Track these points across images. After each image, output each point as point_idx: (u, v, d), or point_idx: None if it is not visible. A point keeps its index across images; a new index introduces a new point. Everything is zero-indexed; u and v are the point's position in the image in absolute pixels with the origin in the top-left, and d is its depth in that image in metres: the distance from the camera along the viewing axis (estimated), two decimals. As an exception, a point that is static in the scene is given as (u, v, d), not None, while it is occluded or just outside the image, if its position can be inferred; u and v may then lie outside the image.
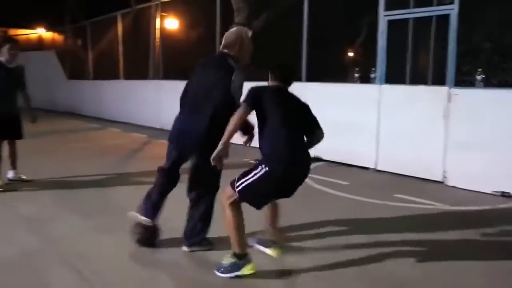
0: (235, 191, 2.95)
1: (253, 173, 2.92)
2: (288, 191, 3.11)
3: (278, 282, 3.03)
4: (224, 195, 3.04)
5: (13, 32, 23.39)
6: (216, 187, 3.45)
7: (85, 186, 5.58)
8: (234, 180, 2.99)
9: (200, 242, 3.48)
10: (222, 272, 3.01)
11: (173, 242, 3.56)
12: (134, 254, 3.44)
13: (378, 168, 6.51)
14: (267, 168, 2.89)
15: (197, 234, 3.45)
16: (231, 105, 3.07)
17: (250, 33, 3.50)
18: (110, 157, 7.59)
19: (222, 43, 3.44)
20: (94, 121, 13.73)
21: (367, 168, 6.64)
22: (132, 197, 4.98)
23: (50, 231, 3.93)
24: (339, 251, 3.50)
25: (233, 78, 3.18)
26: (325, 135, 3.27)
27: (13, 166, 5.77)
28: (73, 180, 5.88)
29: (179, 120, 3.47)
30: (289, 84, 3.23)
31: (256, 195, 2.98)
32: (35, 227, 4.01)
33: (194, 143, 3.28)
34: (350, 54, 15.53)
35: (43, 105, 18.34)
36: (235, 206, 2.99)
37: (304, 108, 3.24)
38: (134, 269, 3.21)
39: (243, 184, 2.93)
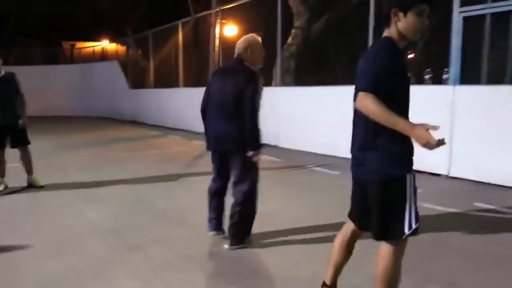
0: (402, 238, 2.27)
1: (407, 197, 2.22)
2: None
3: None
4: (387, 255, 2.28)
5: (80, 45, 24.68)
6: (256, 175, 3.59)
7: (152, 193, 5.62)
8: (387, 231, 2.27)
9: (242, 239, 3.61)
10: None
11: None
12: (201, 264, 3.36)
13: (451, 174, 6.10)
14: (410, 173, 2.24)
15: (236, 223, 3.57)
16: (256, 108, 3.43)
17: (259, 39, 3.70)
18: (174, 164, 7.66)
19: (236, 52, 3.64)
20: (155, 129, 14.05)
21: (438, 175, 6.24)
22: (198, 205, 4.98)
23: (119, 239, 3.93)
24: (425, 266, 3.24)
25: (257, 82, 3.47)
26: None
27: (28, 172, 5.90)
28: (140, 188, 5.95)
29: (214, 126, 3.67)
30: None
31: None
32: (104, 235, 4.03)
33: (236, 146, 3.49)
34: (411, 55, 14.98)
35: (107, 114, 19.14)
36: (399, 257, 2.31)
37: None
38: (200, 279, 3.11)
39: (412, 222, 2.25)
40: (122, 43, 20.13)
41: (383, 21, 2.27)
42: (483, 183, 5.69)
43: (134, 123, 16.39)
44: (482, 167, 5.71)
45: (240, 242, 3.59)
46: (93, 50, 22.98)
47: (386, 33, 2.26)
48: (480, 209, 4.65)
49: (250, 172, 3.54)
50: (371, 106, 2.07)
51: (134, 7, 18.56)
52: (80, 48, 24.20)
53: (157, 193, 5.63)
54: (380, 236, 2.29)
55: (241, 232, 3.60)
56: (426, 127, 2.05)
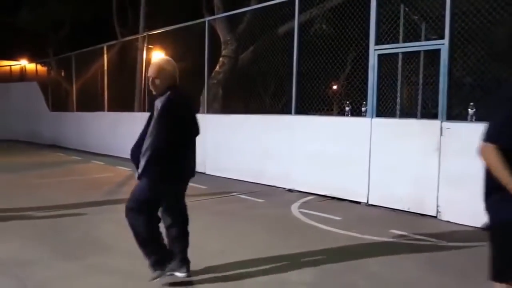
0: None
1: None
2: None
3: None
4: None
5: (-5, 63, 23.18)
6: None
7: (69, 223, 5.31)
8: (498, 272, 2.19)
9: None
10: None
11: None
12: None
13: (370, 202, 6.40)
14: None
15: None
16: None
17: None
18: (96, 192, 7.33)
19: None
20: (77, 154, 13.42)
21: (358, 202, 6.52)
22: (119, 235, 4.78)
23: (29, 275, 3.64)
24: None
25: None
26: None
27: None
28: (55, 216, 5.61)
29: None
30: None
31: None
32: (12, 271, 3.72)
33: None
34: (335, 87, 15.72)
35: (25, 137, 18.03)
36: None
37: None
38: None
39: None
40: (43, 63, 19.23)
41: None
42: (397, 210, 6.03)
43: (55, 147, 15.57)
44: (395, 195, 6.05)
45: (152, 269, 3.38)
46: (10, 69, 21.69)
47: None
48: (395, 235, 4.91)
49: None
50: (489, 160, 2.12)
51: (55, 26, 17.90)
52: (-4, 66, 22.74)
53: (74, 222, 5.34)
54: None
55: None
56: None
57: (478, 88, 6.47)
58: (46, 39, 18.64)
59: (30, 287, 3.37)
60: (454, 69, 5.92)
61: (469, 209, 5.31)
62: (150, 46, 11.99)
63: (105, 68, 13.33)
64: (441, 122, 5.60)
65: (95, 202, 6.46)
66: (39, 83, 17.86)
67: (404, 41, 6.61)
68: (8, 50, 21.84)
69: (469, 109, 5.46)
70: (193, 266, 3.52)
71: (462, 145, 5.40)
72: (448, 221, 5.50)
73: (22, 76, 20.83)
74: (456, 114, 6.28)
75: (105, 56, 13.37)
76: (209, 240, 4.59)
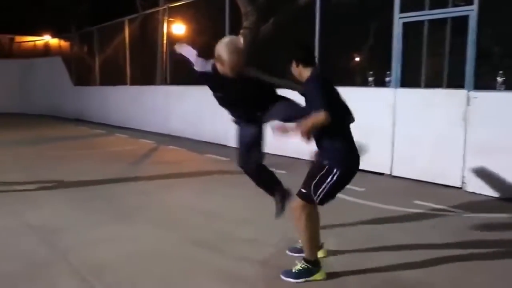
0: (313, 201, 2.97)
1: (328, 180, 2.95)
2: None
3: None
4: (298, 206, 3.03)
5: (20, 38, 23.46)
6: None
7: (95, 193, 5.45)
8: (306, 191, 2.99)
9: None
10: (291, 277, 2.99)
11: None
12: (147, 264, 3.30)
13: (394, 174, 6.34)
14: (339, 170, 2.97)
15: None
16: None
17: (235, 43, 3.42)
18: (119, 163, 7.46)
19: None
20: (100, 127, 13.64)
21: (381, 174, 6.47)
22: (142, 204, 4.89)
23: (59, 240, 3.78)
24: (367, 259, 3.35)
25: None
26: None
27: None
28: (82, 187, 5.76)
29: None
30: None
31: (330, 196, 3.04)
32: (43, 237, 3.87)
33: None
34: (357, 58, 15.44)
35: (49, 111, 18.37)
36: (310, 215, 3.02)
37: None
38: (149, 280, 3.06)
39: (323, 193, 2.96)
40: (66, 39, 19.38)
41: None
42: (421, 181, 5.96)
43: (78, 121, 15.84)
44: (420, 167, 5.97)
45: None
46: (35, 44, 21.94)
47: None
48: (418, 206, 4.87)
49: None
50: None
51: (76, 1, 17.93)
52: (20, 42, 23.03)
53: (99, 193, 5.47)
54: None
55: None
56: None
57: (507, 57, 6.25)
58: (68, 14, 18.70)
59: (58, 252, 3.49)
60: (482, 37, 5.72)
61: (494, 180, 5.23)
62: (170, 19, 11.92)
63: (127, 42, 13.36)
64: (468, 91, 5.46)
65: (119, 173, 6.58)
66: (62, 58, 18.04)
67: (431, 9, 6.39)
68: (32, 25, 22.02)
69: (498, 78, 5.29)
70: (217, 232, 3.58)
71: (489, 114, 5.27)
72: (473, 192, 5.42)
73: (46, 51, 21.07)
74: (483, 84, 6.11)
75: (127, 29, 13.37)
76: (230, 210, 4.65)
